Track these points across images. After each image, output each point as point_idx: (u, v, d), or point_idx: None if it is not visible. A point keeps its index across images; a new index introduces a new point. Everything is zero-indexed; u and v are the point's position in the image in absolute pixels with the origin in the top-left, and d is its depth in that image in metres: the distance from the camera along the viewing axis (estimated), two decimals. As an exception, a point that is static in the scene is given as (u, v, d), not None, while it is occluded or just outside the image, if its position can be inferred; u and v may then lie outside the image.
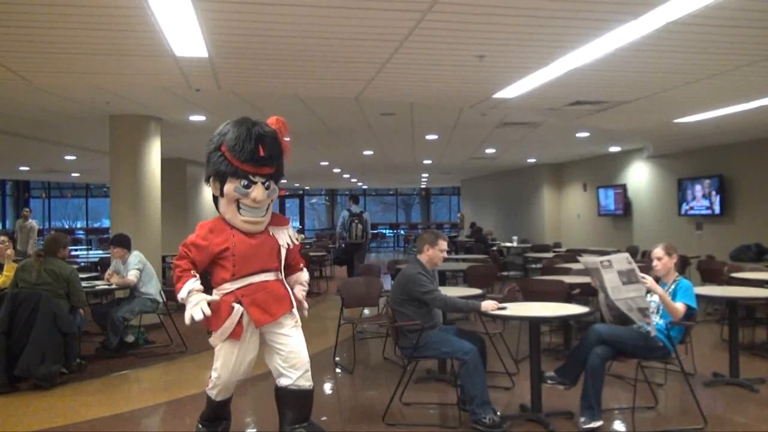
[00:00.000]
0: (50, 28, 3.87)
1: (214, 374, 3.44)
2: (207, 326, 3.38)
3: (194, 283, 3.29)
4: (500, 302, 4.35)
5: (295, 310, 3.53)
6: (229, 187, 3.34)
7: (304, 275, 3.74)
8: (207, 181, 3.49)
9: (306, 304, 3.64)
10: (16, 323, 5.08)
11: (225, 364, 3.39)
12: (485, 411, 3.98)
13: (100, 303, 7.08)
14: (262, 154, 3.31)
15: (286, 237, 3.55)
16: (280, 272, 3.52)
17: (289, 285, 3.57)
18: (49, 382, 5.10)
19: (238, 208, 3.38)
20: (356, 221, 10.58)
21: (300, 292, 3.64)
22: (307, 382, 3.43)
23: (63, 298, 5.47)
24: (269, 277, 3.44)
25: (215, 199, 3.49)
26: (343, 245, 10.78)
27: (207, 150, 3.42)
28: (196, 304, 3.22)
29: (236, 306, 3.31)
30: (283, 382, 3.41)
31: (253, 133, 3.31)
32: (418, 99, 6.77)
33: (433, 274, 4.57)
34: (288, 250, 3.57)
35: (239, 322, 3.32)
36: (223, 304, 3.33)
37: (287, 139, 3.51)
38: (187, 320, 3.24)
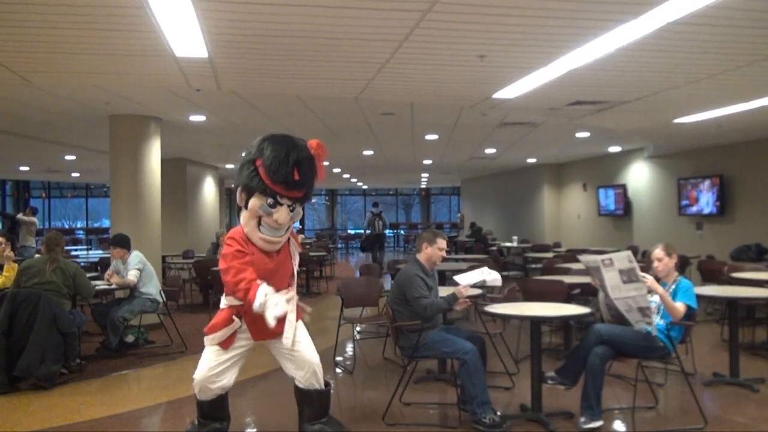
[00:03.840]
0: (50, 28, 3.87)
1: (196, 372, 3.50)
2: (206, 328, 3.46)
3: (267, 287, 3.16)
4: (500, 302, 4.35)
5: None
6: (254, 202, 3.27)
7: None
8: (236, 190, 3.44)
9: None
10: (16, 323, 5.08)
11: (204, 364, 3.45)
12: (485, 411, 3.98)
13: (101, 303, 7.08)
14: (296, 178, 3.23)
15: (296, 254, 3.54)
16: (290, 288, 3.48)
17: None
18: (49, 382, 5.10)
19: (259, 224, 3.32)
20: (377, 219, 15.48)
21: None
22: (316, 383, 3.48)
23: (66, 297, 5.50)
24: None
25: (239, 208, 3.45)
26: (370, 237, 15.61)
27: (242, 159, 3.35)
28: (276, 304, 3.09)
29: (236, 320, 3.39)
30: (296, 382, 3.50)
31: (292, 156, 3.22)
32: (418, 99, 6.77)
33: (432, 274, 4.56)
34: None
35: (232, 334, 3.42)
36: (225, 313, 3.40)
37: (325, 163, 3.42)
38: (272, 322, 3.06)
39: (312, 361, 3.48)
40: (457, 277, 4.50)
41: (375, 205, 16.44)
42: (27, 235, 12.64)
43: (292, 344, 3.40)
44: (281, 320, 3.32)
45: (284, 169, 3.19)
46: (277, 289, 3.33)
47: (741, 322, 5.54)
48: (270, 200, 3.25)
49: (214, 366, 3.43)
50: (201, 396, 3.52)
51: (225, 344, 3.42)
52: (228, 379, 3.49)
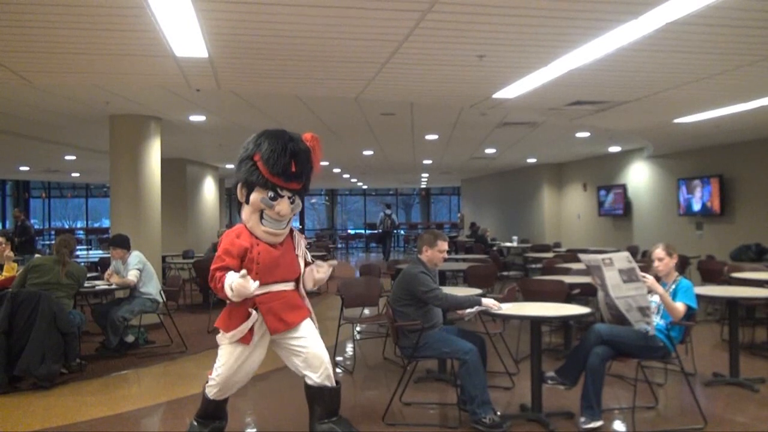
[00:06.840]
0: (50, 28, 3.87)
1: (214, 373, 3.50)
2: (218, 325, 3.48)
3: (234, 273, 3.26)
4: (500, 302, 4.34)
5: (312, 315, 3.61)
6: (255, 196, 3.40)
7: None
8: (235, 187, 3.56)
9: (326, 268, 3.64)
10: (16, 323, 5.08)
11: (227, 363, 3.46)
12: (485, 411, 3.97)
13: (101, 303, 7.08)
14: (294, 169, 3.37)
15: (304, 251, 3.63)
16: (298, 283, 3.59)
17: (304, 283, 3.63)
18: (49, 382, 5.10)
19: (261, 218, 3.42)
20: (388, 219, 19.52)
21: (315, 268, 3.63)
22: (329, 381, 3.49)
23: (71, 298, 5.54)
24: (287, 287, 3.52)
25: (239, 205, 3.54)
26: (381, 233, 20.13)
27: (240, 156, 3.47)
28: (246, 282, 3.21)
29: (253, 312, 3.39)
30: (307, 381, 3.50)
31: (288, 148, 3.37)
32: (418, 99, 6.77)
33: (434, 274, 4.56)
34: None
35: (251, 327, 3.41)
36: (239, 309, 3.40)
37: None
38: (245, 282, 3.19)
39: (324, 358, 3.50)
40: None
41: (388, 206, 20.54)
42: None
43: (308, 346, 3.48)
44: (295, 312, 3.47)
45: (282, 161, 3.34)
46: (287, 278, 3.50)
47: (741, 322, 5.54)
48: (271, 193, 3.38)
49: (233, 362, 3.44)
50: (219, 396, 3.53)
51: (246, 339, 3.41)
52: (245, 378, 3.52)
